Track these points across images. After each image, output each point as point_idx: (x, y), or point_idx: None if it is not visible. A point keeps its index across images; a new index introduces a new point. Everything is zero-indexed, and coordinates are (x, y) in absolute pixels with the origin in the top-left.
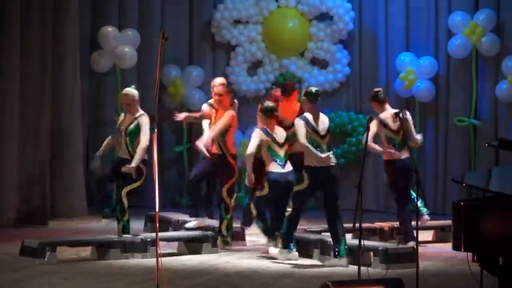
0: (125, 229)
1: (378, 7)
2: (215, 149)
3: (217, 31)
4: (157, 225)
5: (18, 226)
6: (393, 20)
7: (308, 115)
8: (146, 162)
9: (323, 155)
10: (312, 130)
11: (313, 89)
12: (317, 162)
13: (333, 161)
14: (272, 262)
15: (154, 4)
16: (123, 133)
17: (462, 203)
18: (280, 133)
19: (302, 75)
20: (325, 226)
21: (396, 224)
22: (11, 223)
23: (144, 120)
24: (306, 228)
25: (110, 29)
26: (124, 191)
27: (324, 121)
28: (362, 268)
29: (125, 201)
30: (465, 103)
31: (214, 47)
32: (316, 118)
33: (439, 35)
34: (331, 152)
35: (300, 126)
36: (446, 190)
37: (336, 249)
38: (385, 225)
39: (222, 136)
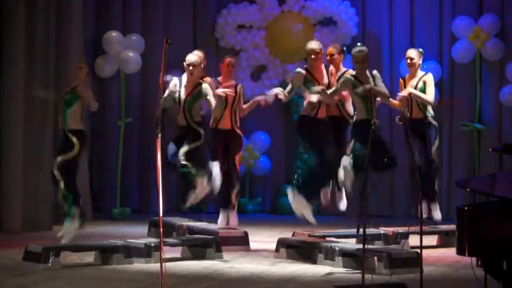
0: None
1: (382, 12)
2: None
3: (221, 36)
4: (161, 230)
5: (22, 232)
6: (397, 25)
7: None
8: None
9: None
10: None
11: None
12: None
13: None
14: (276, 267)
15: (158, 9)
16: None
17: (466, 208)
18: None
19: None
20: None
21: (400, 229)
22: (15, 228)
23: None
24: (310, 233)
25: (114, 34)
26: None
27: None
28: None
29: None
30: (469, 108)
31: (218, 52)
32: None
33: (443, 39)
34: None
35: None
36: (450, 194)
37: None
38: (389, 230)
39: None
